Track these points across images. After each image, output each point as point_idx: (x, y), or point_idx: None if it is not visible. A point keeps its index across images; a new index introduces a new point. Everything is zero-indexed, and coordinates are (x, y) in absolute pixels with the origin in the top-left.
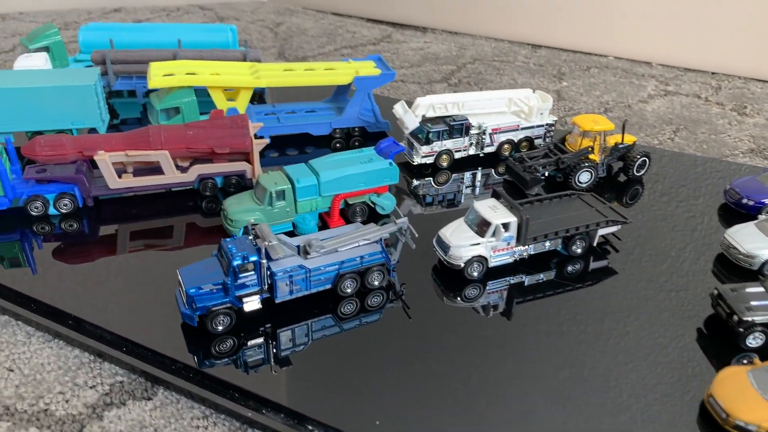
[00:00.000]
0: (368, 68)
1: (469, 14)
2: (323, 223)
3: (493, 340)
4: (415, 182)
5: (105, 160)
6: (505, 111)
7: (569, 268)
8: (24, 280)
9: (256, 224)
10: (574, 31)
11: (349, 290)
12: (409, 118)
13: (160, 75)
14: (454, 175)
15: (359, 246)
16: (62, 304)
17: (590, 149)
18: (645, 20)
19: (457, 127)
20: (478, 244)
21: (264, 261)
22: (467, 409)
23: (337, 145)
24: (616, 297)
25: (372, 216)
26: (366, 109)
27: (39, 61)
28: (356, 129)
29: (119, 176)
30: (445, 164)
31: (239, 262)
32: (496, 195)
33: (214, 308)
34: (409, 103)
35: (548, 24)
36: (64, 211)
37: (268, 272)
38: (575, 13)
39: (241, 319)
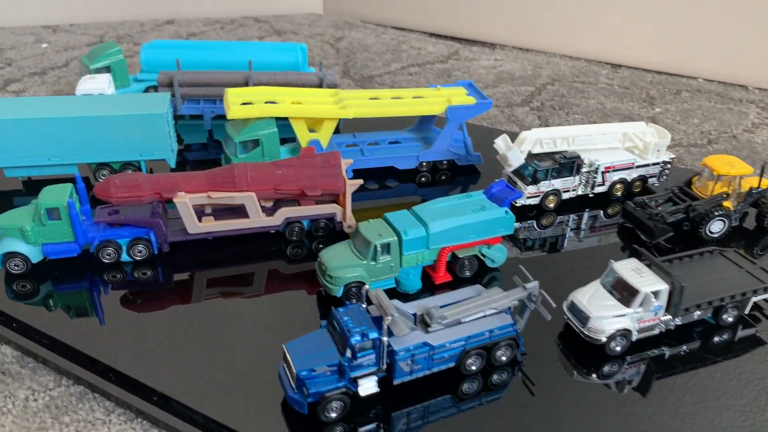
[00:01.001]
0: (460, 96)
1: (541, 30)
2: (426, 278)
3: (631, 420)
4: (516, 225)
5: (185, 203)
6: (618, 147)
7: (715, 339)
8: (101, 344)
9: (372, 290)
10: (659, 51)
11: (474, 368)
12: (514, 154)
13: (238, 103)
14: (558, 217)
15: (486, 317)
16: (143, 375)
17: (725, 195)
18: (738, 40)
19: (568, 164)
20: (623, 315)
21: (385, 338)
22: None
23: (422, 179)
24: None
25: (481, 269)
26: (457, 140)
27: (103, 83)
28: (444, 162)
29: (199, 219)
30: (551, 206)
31: (358, 340)
32: (637, 254)
33: (328, 394)
34: (511, 136)
35: (629, 42)
36: (138, 258)
37: (388, 350)
38: (660, 31)
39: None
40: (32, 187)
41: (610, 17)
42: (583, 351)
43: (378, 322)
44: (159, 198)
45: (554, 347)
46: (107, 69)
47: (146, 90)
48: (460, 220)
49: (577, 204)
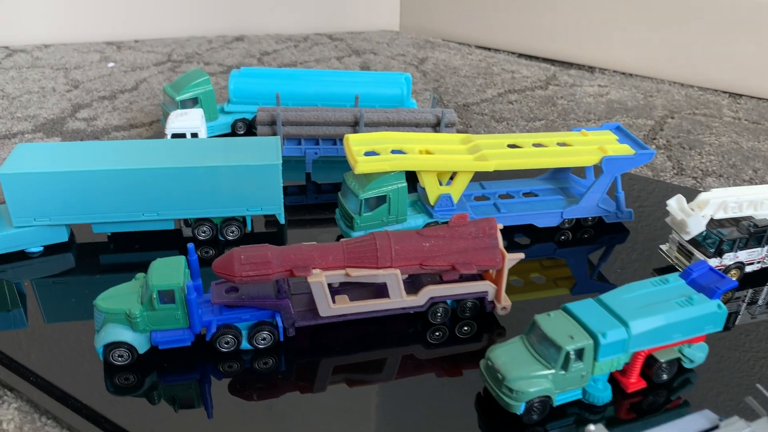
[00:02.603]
0: (613, 143)
1: (647, 52)
2: (613, 383)
3: None
4: None
5: (321, 282)
6: None
7: None
8: None
9: (596, 429)
10: None
11: None
12: (696, 221)
13: (362, 153)
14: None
15: None
16: None
17: None
18: None
19: (758, 234)
20: None
21: None
22: None
23: (562, 237)
24: None
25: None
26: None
27: (196, 121)
28: (590, 219)
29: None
30: (735, 279)
31: None
32: None
33: None
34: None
35: (750, 67)
36: (261, 346)
37: None
38: None
39: None
40: (119, 243)
41: (725, 40)
42: None
43: None
44: (290, 275)
45: None
46: (194, 100)
47: (234, 122)
48: (666, 317)
49: (759, 277)
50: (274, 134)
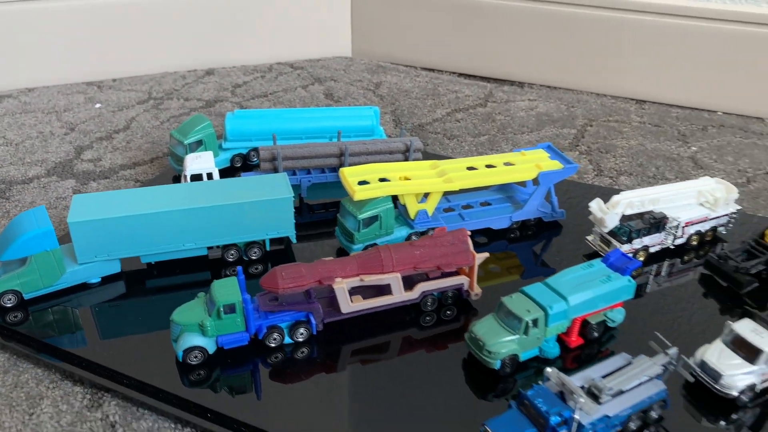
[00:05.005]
0: (545, 159)
1: (568, 68)
2: (561, 343)
3: None
4: None
5: (343, 288)
6: (693, 203)
7: None
8: (299, 422)
9: (552, 371)
10: (679, 85)
11: (634, 429)
12: (611, 217)
13: (355, 183)
14: (644, 267)
15: (642, 384)
16: None
17: None
18: (752, 74)
19: (656, 223)
20: (750, 372)
21: (576, 416)
22: None
23: (511, 235)
24: None
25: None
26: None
27: (209, 162)
28: (532, 219)
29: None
30: (642, 259)
31: (557, 419)
32: (750, 315)
33: None
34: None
35: (652, 77)
36: (300, 339)
37: (576, 425)
38: (678, 65)
39: None
40: (160, 269)
41: (631, 54)
42: (710, 401)
43: (560, 398)
44: (319, 285)
45: (680, 396)
46: (198, 142)
47: (232, 157)
48: (593, 291)
49: (659, 254)
50: (275, 169)
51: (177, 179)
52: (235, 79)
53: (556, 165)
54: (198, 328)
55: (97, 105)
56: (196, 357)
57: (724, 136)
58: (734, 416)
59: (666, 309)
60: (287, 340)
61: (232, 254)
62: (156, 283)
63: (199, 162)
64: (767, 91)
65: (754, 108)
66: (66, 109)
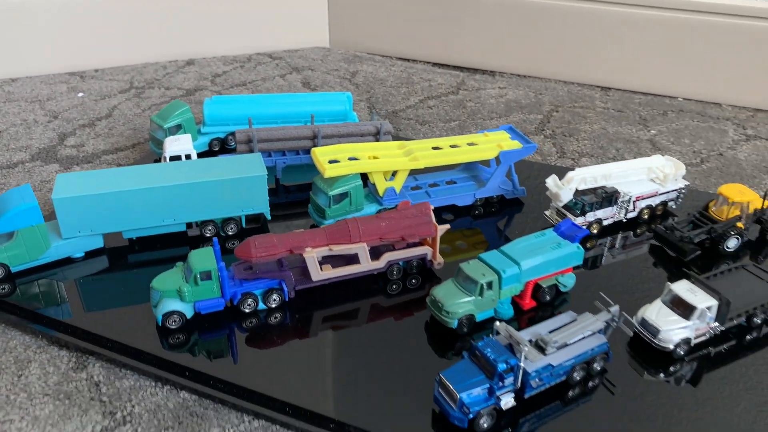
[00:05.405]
0: (506, 140)
1: (537, 57)
2: (515, 306)
3: (687, 404)
4: None
5: (313, 257)
6: (644, 178)
7: (747, 337)
8: (273, 379)
9: (501, 325)
10: (642, 73)
11: (578, 379)
12: (565, 192)
13: (326, 162)
14: (599, 240)
15: (585, 338)
16: (320, 406)
17: (739, 218)
18: (710, 61)
19: (608, 198)
20: (686, 327)
21: (521, 363)
22: None
23: (475, 212)
24: None
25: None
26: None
27: (187, 144)
28: (495, 197)
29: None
30: (595, 232)
31: (504, 367)
32: (687, 277)
33: (482, 410)
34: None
35: (616, 65)
36: (273, 305)
37: (522, 372)
38: (641, 54)
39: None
40: (141, 244)
41: (596, 44)
42: (650, 355)
43: (509, 349)
44: (290, 254)
45: (624, 352)
46: (178, 126)
47: (210, 141)
48: (544, 256)
49: (612, 228)
50: (251, 151)
51: (158, 163)
52: (214, 69)
53: (516, 145)
54: (176, 294)
55: (80, 94)
56: (174, 321)
57: (683, 120)
58: (672, 369)
59: (617, 277)
60: (261, 306)
61: (209, 230)
62: (137, 258)
63: (178, 144)
64: (725, 78)
65: (712, 94)
66: (49, 98)
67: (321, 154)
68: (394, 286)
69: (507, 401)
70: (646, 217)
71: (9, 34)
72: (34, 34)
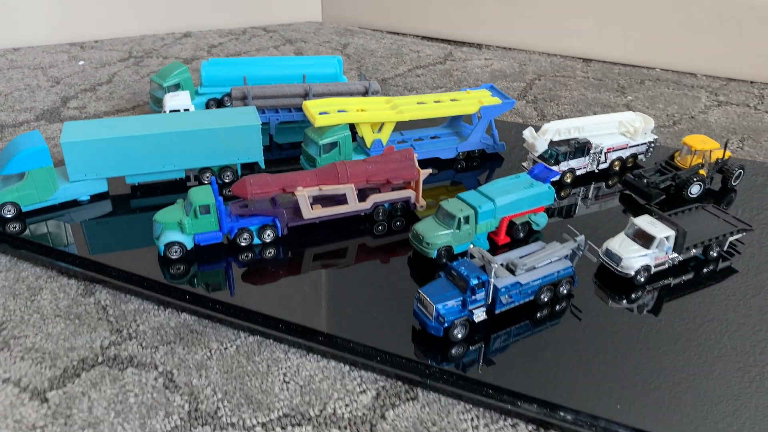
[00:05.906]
0: (488, 97)
1: (522, 30)
2: (491, 242)
3: (649, 331)
4: None
5: (304, 195)
6: (615, 132)
7: (704, 270)
8: (267, 302)
9: (475, 248)
10: (622, 45)
11: (545, 300)
12: (540, 142)
13: (317, 113)
14: (572, 189)
15: (552, 262)
16: (311, 322)
17: (701, 165)
18: (686, 34)
19: (581, 148)
20: (645, 255)
21: (492, 279)
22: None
23: (459, 166)
24: (743, 291)
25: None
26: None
27: (186, 99)
28: (476, 151)
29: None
30: (569, 181)
31: (476, 281)
32: (649, 212)
33: (456, 321)
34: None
35: (597, 38)
36: (267, 240)
37: (493, 288)
38: (622, 27)
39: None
40: (143, 191)
41: (578, 17)
42: (615, 285)
43: (482, 269)
44: (283, 192)
45: (591, 284)
46: (177, 85)
47: (207, 102)
48: (517, 195)
49: (586, 179)
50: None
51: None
52: (210, 40)
53: (495, 101)
54: (177, 226)
55: (80, 63)
56: (176, 251)
57: (659, 88)
58: (634, 296)
59: (587, 221)
60: (256, 240)
61: (207, 177)
62: (139, 203)
63: (177, 99)
64: (700, 49)
65: (688, 64)
66: (51, 66)
67: (312, 107)
68: (380, 228)
69: (479, 314)
70: (617, 168)
71: (10, 3)
72: (35, 4)
